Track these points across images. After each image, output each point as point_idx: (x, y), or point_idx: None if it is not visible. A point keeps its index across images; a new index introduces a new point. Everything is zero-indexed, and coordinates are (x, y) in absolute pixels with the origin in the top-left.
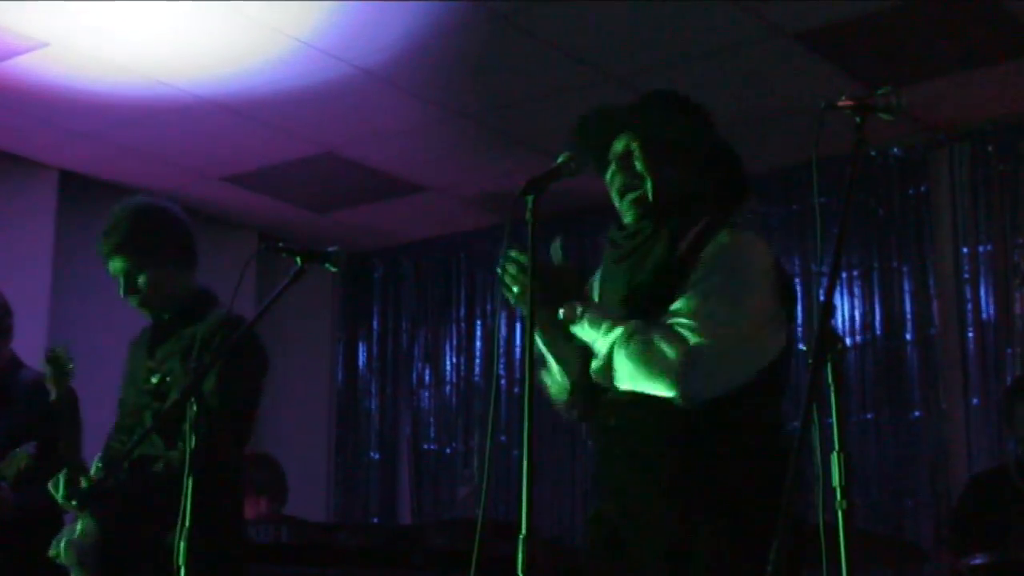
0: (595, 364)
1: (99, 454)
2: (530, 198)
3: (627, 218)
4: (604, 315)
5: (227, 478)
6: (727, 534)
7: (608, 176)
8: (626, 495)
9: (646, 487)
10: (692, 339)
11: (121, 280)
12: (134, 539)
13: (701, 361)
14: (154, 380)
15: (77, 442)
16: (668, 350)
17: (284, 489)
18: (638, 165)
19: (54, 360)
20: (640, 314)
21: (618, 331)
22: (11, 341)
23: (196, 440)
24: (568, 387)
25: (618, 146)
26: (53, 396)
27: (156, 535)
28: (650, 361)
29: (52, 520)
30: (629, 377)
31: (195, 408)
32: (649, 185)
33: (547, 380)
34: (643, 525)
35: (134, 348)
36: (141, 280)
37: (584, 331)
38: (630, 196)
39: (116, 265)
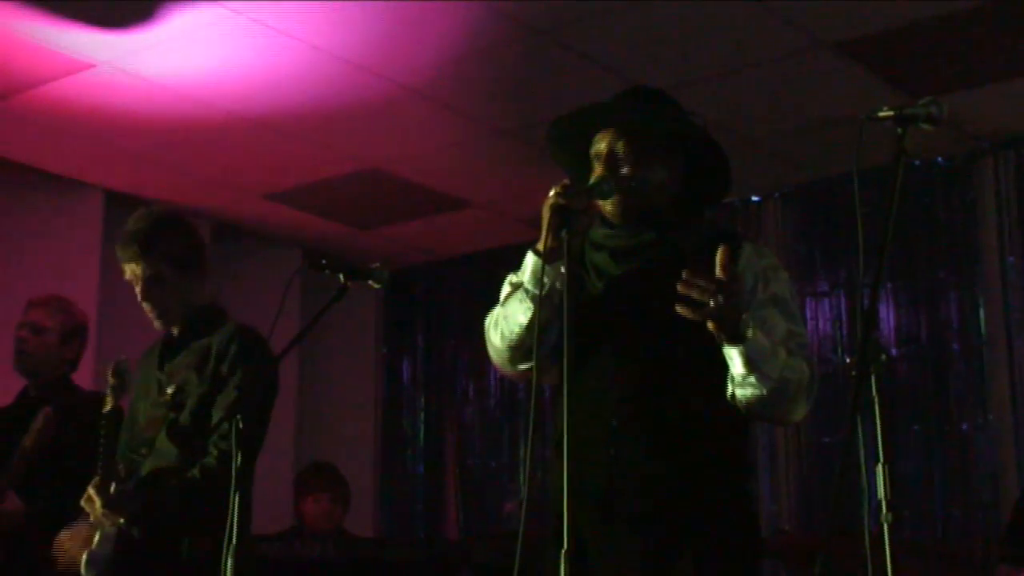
0: (760, 390)
1: (121, 465)
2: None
3: (613, 217)
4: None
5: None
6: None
7: (593, 175)
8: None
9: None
10: (808, 364)
11: (142, 284)
12: (153, 548)
13: (815, 384)
14: (169, 391)
15: (114, 454)
16: (808, 376)
17: (347, 493)
18: (626, 164)
19: (119, 373)
20: (673, 324)
21: (791, 361)
22: (81, 355)
23: (230, 454)
24: (520, 343)
25: (602, 144)
26: (108, 408)
27: (175, 544)
28: (808, 388)
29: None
30: (792, 404)
31: (241, 425)
32: (637, 185)
33: (515, 319)
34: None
35: (144, 363)
36: (160, 288)
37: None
38: (616, 196)
39: (137, 270)
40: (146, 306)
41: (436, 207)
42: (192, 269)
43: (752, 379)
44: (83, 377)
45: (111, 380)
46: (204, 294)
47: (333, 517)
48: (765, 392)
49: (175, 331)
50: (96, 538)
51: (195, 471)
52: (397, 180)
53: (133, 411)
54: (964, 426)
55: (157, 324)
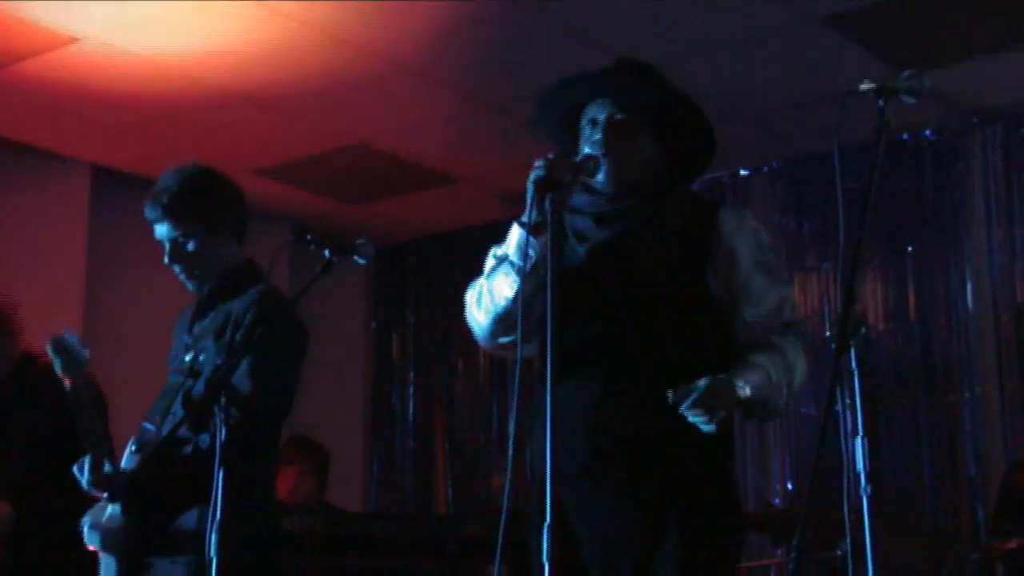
0: (778, 409)
1: (134, 436)
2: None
3: (600, 184)
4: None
5: (259, 463)
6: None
7: (583, 142)
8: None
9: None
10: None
11: (168, 246)
12: (160, 523)
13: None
14: (187, 358)
15: (97, 428)
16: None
17: (324, 471)
18: (624, 132)
19: (60, 349)
20: (659, 286)
21: (782, 361)
22: (18, 342)
23: (227, 429)
24: (505, 315)
25: (599, 113)
26: (68, 387)
27: (181, 518)
28: (806, 353)
29: (70, 518)
30: (800, 385)
31: (224, 400)
32: (633, 154)
33: (500, 292)
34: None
35: (178, 325)
36: (190, 247)
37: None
38: (612, 164)
39: (164, 230)
40: (175, 268)
41: (425, 182)
42: (223, 230)
43: (764, 410)
44: None
45: (56, 359)
46: (239, 253)
47: (301, 491)
48: (779, 409)
49: (207, 289)
50: (107, 511)
51: (188, 448)
52: (385, 155)
53: (168, 376)
54: (951, 400)
55: (189, 286)
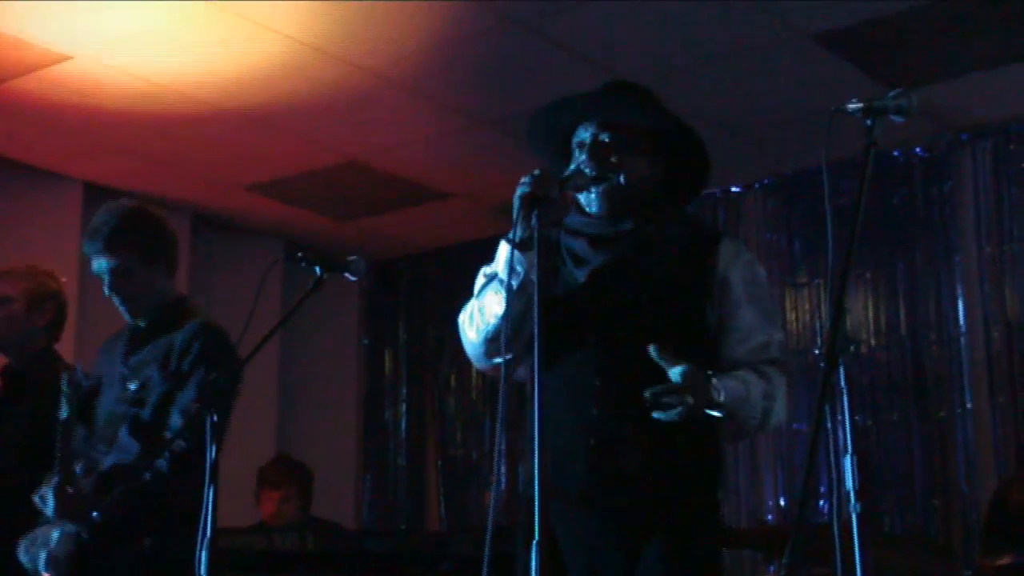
0: (745, 428)
1: (79, 464)
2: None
3: (594, 208)
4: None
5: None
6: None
7: (574, 164)
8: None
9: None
10: (783, 371)
11: (108, 278)
12: (114, 547)
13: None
14: (132, 387)
15: (72, 456)
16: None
17: (308, 491)
18: (610, 154)
19: (73, 385)
20: (657, 313)
21: (764, 387)
22: (45, 323)
23: (182, 456)
24: (497, 334)
25: (585, 134)
26: (64, 415)
27: (136, 543)
28: (786, 393)
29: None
30: (772, 421)
31: (215, 420)
32: (622, 175)
33: (491, 310)
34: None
35: (107, 351)
36: (128, 278)
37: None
38: (601, 186)
39: (102, 264)
40: (115, 299)
41: (417, 198)
42: (159, 263)
43: (735, 426)
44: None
45: (66, 390)
46: (173, 288)
47: (285, 514)
48: (750, 428)
49: (141, 323)
50: (55, 536)
51: (147, 474)
52: (378, 172)
53: (99, 403)
54: (942, 415)
55: (126, 316)
